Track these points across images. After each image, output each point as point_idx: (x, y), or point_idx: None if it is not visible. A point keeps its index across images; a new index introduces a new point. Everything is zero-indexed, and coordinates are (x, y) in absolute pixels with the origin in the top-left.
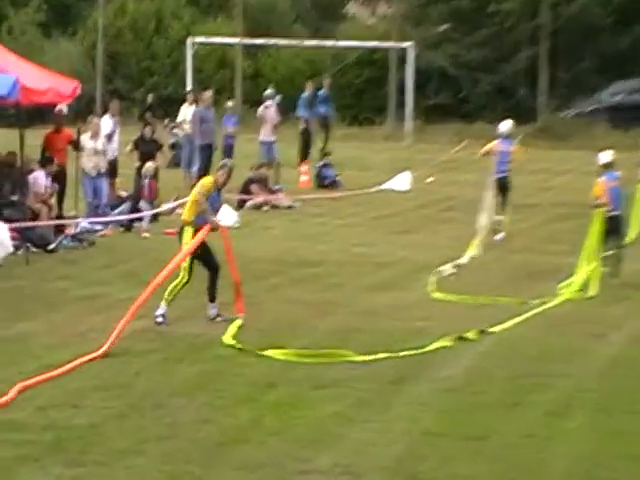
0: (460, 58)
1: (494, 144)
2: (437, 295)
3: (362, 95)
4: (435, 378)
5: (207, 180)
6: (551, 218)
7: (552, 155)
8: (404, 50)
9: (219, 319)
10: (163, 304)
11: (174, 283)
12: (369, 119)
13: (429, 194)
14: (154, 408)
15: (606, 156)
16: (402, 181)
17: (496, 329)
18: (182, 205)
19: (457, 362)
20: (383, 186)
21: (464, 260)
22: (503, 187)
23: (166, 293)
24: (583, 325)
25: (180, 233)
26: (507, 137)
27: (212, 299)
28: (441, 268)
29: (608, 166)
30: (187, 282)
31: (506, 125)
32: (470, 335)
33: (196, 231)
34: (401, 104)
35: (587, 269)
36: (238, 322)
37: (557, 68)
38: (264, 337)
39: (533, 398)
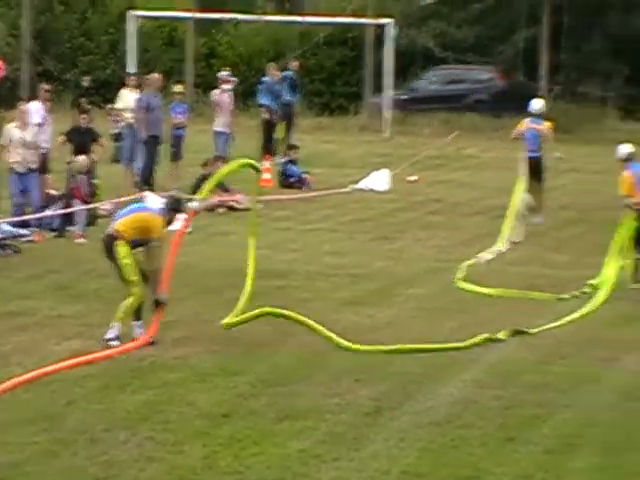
0: (448, 37)
1: (523, 123)
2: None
3: (334, 80)
4: (417, 410)
5: (160, 221)
6: (557, 224)
7: (556, 150)
8: (382, 28)
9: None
10: (116, 323)
11: (128, 302)
12: (342, 107)
13: (411, 195)
14: (88, 444)
15: (625, 148)
16: (380, 180)
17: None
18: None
19: (442, 391)
20: (358, 185)
21: (502, 249)
22: (536, 167)
23: (119, 311)
24: (590, 348)
25: (109, 246)
26: (538, 116)
27: (138, 317)
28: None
29: (629, 158)
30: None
31: (538, 103)
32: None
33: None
34: (379, 90)
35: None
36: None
37: (560, 50)
38: (215, 362)
39: (530, 433)
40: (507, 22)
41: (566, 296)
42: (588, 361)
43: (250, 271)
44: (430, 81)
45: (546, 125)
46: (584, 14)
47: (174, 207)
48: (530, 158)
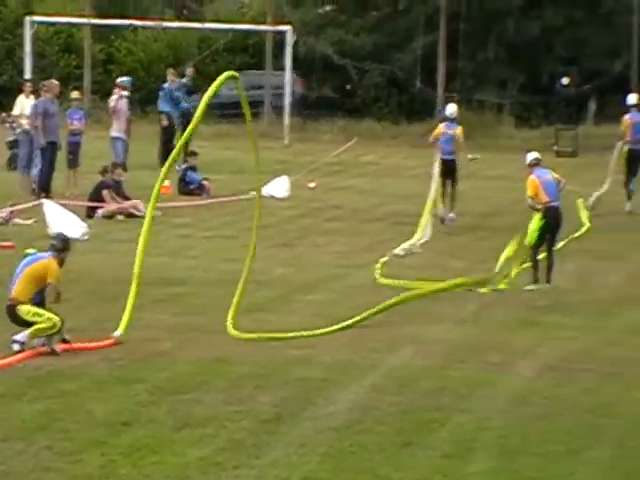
0: (346, 45)
1: (440, 128)
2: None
3: None
4: (317, 415)
5: (54, 265)
6: (453, 230)
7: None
8: (282, 35)
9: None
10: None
11: (46, 326)
12: (242, 114)
13: (311, 202)
14: None
15: (533, 154)
16: (280, 187)
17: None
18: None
19: (342, 397)
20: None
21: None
22: (450, 170)
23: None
24: (486, 353)
25: (13, 315)
26: (452, 120)
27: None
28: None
29: (536, 163)
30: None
31: (452, 108)
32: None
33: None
34: (282, 97)
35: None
36: None
37: (458, 58)
38: (114, 371)
39: (428, 438)
40: (405, 30)
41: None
42: (484, 366)
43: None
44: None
45: (459, 129)
46: (480, 21)
47: (64, 247)
48: (445, 161)
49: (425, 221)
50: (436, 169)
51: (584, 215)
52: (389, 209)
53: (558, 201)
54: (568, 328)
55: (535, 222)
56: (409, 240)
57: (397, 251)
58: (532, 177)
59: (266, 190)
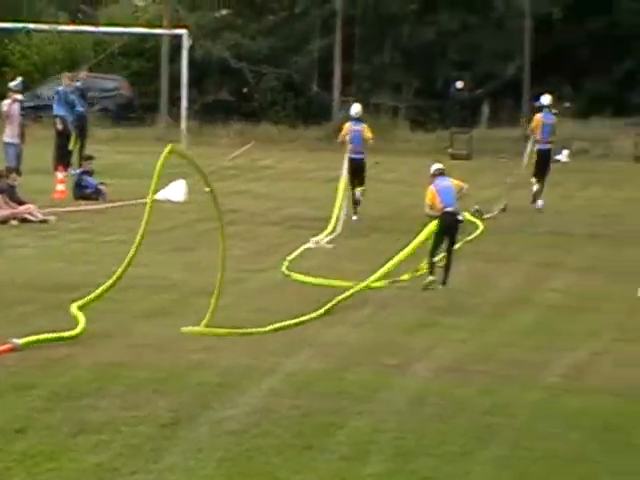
0: (243, 48)
1: (346, 127)
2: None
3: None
4: (214, 419)
5: None
6: (350, 233)
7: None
8: (178, 38)
9: None
10: None
11: None
12: (138, 118)
13: (208, 206)
14: None
15: (437, 165)
16: (177, 190)
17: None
18: None
19: (240, 401)
20: (156, 196)
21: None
22: (359, 168)
23: None
24: (383, 355)
25: None
26: (358, 119)
27: None
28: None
29: (439, 174)
30: None
31: (357, 107)
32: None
33: None
34: (176, 101)
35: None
36: None
37: (354, 61)
38: (8, 377)
39: (326, 441)
40: (301, 33)
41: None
42: (381, 368)
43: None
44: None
45: (365, 127)
46: (376, 26)
47: None
48: (354, 160)
49: (335, 217)
50: (345, 168)
51: (476, 219)
52: (286, 213)
53: (454, 207)
54: (464, 329)
55: (433, 227)
56: (321, 234)
57: (310, 244)
58: (430, 187)
59: (162, 194)
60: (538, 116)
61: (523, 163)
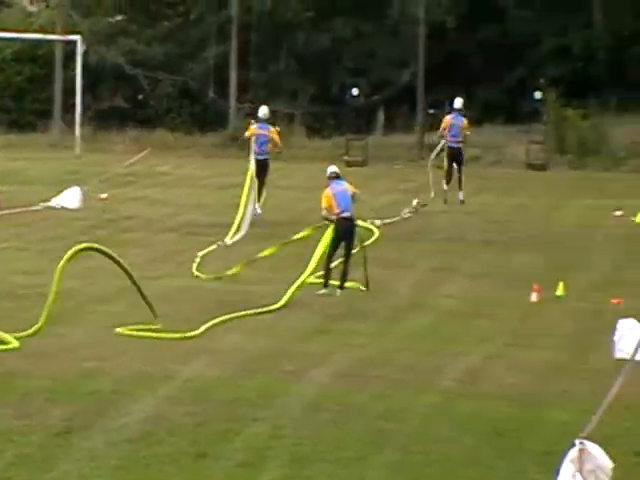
0: (138, 55)
1: (252, 129)
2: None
3: (23, 96)
4: (109, 428)
5: None
6: (246, 239)
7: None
8: (72, 44)
9: None
10: None
11: None
12: (31, 124)
13: (104, 212)
14: None
15: (332, 167)
16: (71, 197)
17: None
18: None
19: (135, 409)
20: (50, 203)
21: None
22: (263, 168)
23: None
24: (280, 362)
25: None
26: (265, 121)
27: None
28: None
29: (334, 176)
30: None
31: (264, 110)
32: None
33: None
34: (70, 107)
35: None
36: None
37: (250, 68)
38: None
39: (223, 448)
40: (197, 40)
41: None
42: (278, 375)
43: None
44: None
45: (273, 130)
46: (271, 33)
47: None
48: (259, 160)
49: (241, 216)
50: (252, 168)
51: (370, 225)
52: (182, 219)
53: (350, 212)
54: (360, 335)
55: (329, 232)
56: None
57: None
58: (327, 190)
59: (57, 201)
60: (448, 117)
61: (430, 158)
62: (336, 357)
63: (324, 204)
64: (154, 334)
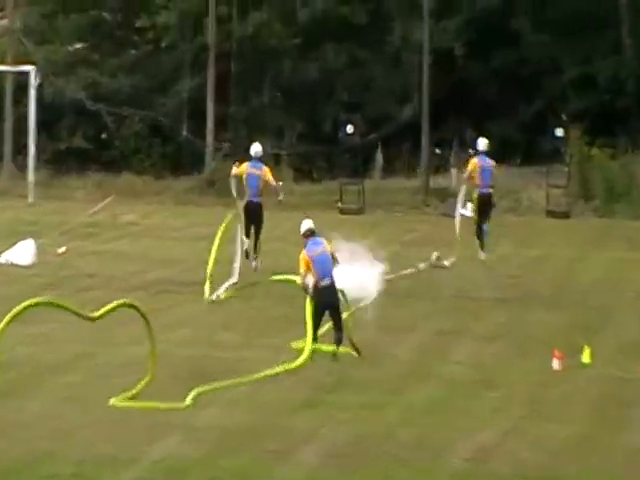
0: (101, 88)
1: (243, 168)
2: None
3: None
4: None
5: None
6: (224, 300)
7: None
8: (25, 76)
9: None
10: None
11: None
12: None
13: (61, 269)
14: None
15: (307, 223)
16: (24, 252)
17: None
18: None
19: None
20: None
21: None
22: (256, 211)
23: None
24: (262, 440)
25: None
26: (258, 159)
27: None
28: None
29: (309, 234)
30: None
31: (256, 147)
32: None
33: None
34: (22, 148)
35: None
36: None
37: (229, 102)
38: None
39: None
40: (169, 70)
41: None
42: (260, 454)
43: None
44: None
45: (266, 170)
46: (254, 62)
47: None
48: (251, 202)
49: (212, 264)
50: (242, 211)
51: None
52: (151, 276)
53: (331, 279)
54: (355, 408)
55: (307, 305)
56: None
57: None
58: (303, 252)
59: (7, 256)
60: (475, 160)
61: (457, 209)
62: (327, 434)
63: (301, 270)
64: (153, 404)
